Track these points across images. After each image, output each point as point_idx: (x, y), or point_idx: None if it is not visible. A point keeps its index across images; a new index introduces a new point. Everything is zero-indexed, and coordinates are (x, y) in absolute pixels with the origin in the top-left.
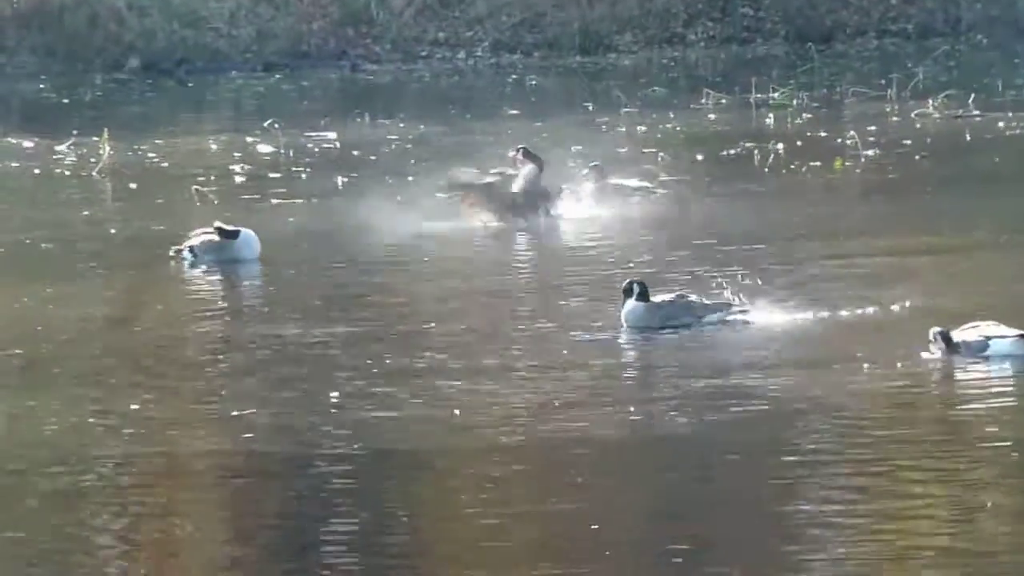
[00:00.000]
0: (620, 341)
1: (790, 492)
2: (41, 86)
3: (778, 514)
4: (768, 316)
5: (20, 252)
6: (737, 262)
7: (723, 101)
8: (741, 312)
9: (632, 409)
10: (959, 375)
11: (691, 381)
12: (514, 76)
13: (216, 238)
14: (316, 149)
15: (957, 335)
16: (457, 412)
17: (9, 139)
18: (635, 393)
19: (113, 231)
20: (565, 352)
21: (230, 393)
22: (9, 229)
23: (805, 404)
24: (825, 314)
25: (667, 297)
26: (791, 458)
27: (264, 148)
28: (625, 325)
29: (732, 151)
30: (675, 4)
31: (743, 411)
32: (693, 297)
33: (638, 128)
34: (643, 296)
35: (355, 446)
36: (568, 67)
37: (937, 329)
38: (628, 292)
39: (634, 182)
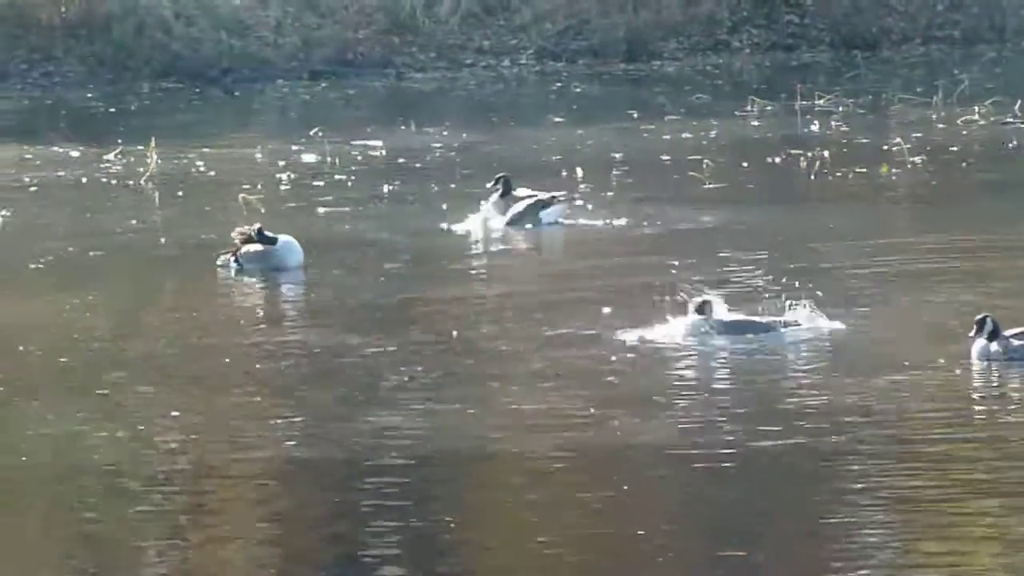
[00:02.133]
0: (669, 350)
1: (843, 503)
2: (89, 95)
3: (831, 525)
4: (817, 323)
5: (67, 260)
6: (783, 270)
7: (768, 108)
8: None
9: (684, 418)
10: (1014, 383)
11: (742, 390)
12: (559, 83)
13: (260, 247)
14: (361, 157)
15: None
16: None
17: (56, 148)
18: (687, 402)
19: (161, 239)
20: (613, 360)
21: (273, 400)
22: (56, 237)
23: (855, 412)
24: (873, 320)
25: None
26: (844, 468)
27: (309, 156)
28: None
29: (777, 158)
30: (720, 11)
31: (794, 419)
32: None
33: (682, 135)
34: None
35: (401, 453)
36: (613, 74)
37: (987, 315)
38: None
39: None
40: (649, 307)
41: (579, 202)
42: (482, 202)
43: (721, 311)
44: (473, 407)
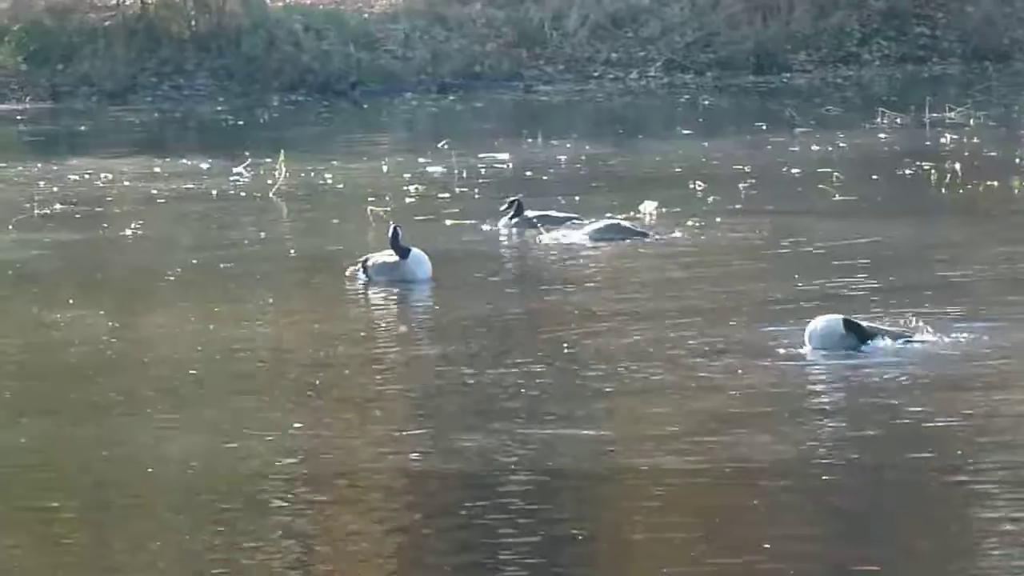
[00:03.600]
0: (792, 364)
1: (974, 519)
2: (219, 108)
3: (964, 542)
4: (942, 336)
5: (197, 273)
6: (910, 283)
7: (898, 120)
8: (911, 337)
9: (808, 431)
10: None
11: (865, 404)
12: (687, 96)
13: (389, 259)
14: (488, 170)
15: None
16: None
17: (185, 160)
18: (810, 416)
19: (289, 251)
20: (738, 372)
21: (397, 413)
22: (185, 250)
23: (981, 429)
24: (1000, 335)
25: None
26: (973, 485)
27: (437, 169)
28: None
29: (907, 171)
30: (850, 23)
31: (919, 435)
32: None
33: (811, 147)
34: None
35: (524, 467)
36: (741, 87)
37: None
38: None
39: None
40: (772, 320)
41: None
42: (501, 222)
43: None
44: (598, 419)
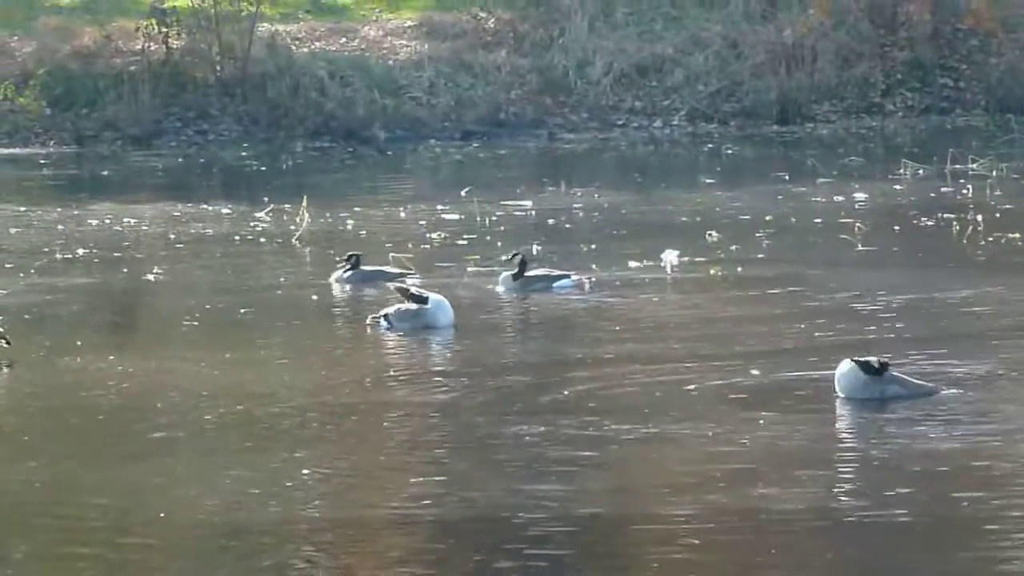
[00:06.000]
0: (822, 410)
1: (985, 570)
2: (243, 153)
3: None
4: (965, 388)
5: (218, 317)
6: (933, 334)
7: (921, 171)
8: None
9: (818, 480)
10: None
11: (880, 451)
12: (710, 145)
13: (411, 306)
14: (511, 217)
15: None
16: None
17: (207, 206)
18: (845, 463)
19: (312, 296)
20: (760, 421)
21: (417, 459)
22: (206, 294)
23: (1002, 477)
24: None
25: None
26: (987, 532)
27: (459, 216)
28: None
29: (930, 222)
30: (874, 74)
31: (937, 484)
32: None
33: (834, 198)
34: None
35: (547, 514)
36: (765, 136)
37: None
38: None
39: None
40: (795, 368)
41: (587, 286)
42: (502, 276)
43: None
44: (619, 468)
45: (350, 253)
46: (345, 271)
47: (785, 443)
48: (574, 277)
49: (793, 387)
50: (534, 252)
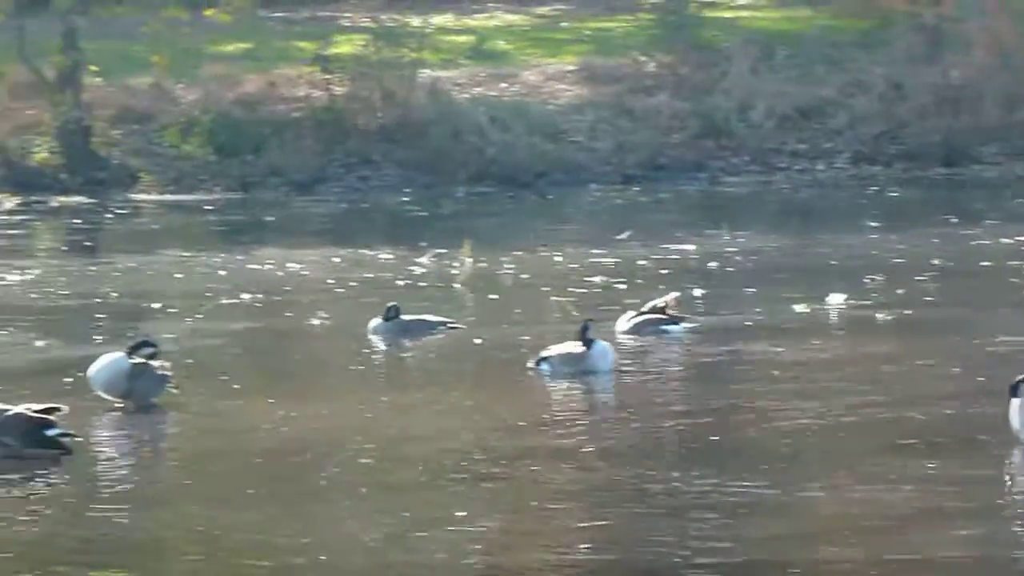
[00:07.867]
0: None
1: None
2: (404, 199)
3: None
4: None
5: (382, 362)
6: None
7: None
8: None
9: (993, 526)
10: None
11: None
12: (874, 188)
13: (573, 350)
14: (672, 261)
15: None
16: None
17: (367, 251)
18: (997, 508)
19: (475, 340)
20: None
21: (572, 504)
22: (367, 339)
23: None
24: None
25: None
26: None
27: (621, 260)
28: None
29: None
30: None
31: None
32: None
33: (1001, 240)
34: None
35: (714, 558)
36: (930, 178)
37: None
38: None
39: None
40: (967, 407)
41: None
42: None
43: None
44: (787, 513)
45: (390, 304)
46: (384, 319)
47: (960, 485)
48: (684, 324)
49: (964, 431)
50: (694, 295)
